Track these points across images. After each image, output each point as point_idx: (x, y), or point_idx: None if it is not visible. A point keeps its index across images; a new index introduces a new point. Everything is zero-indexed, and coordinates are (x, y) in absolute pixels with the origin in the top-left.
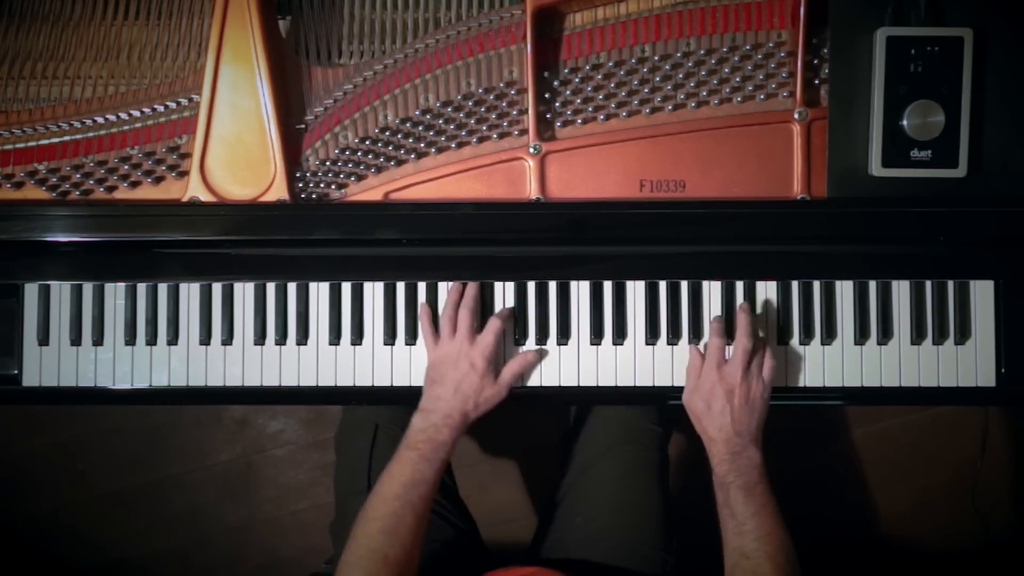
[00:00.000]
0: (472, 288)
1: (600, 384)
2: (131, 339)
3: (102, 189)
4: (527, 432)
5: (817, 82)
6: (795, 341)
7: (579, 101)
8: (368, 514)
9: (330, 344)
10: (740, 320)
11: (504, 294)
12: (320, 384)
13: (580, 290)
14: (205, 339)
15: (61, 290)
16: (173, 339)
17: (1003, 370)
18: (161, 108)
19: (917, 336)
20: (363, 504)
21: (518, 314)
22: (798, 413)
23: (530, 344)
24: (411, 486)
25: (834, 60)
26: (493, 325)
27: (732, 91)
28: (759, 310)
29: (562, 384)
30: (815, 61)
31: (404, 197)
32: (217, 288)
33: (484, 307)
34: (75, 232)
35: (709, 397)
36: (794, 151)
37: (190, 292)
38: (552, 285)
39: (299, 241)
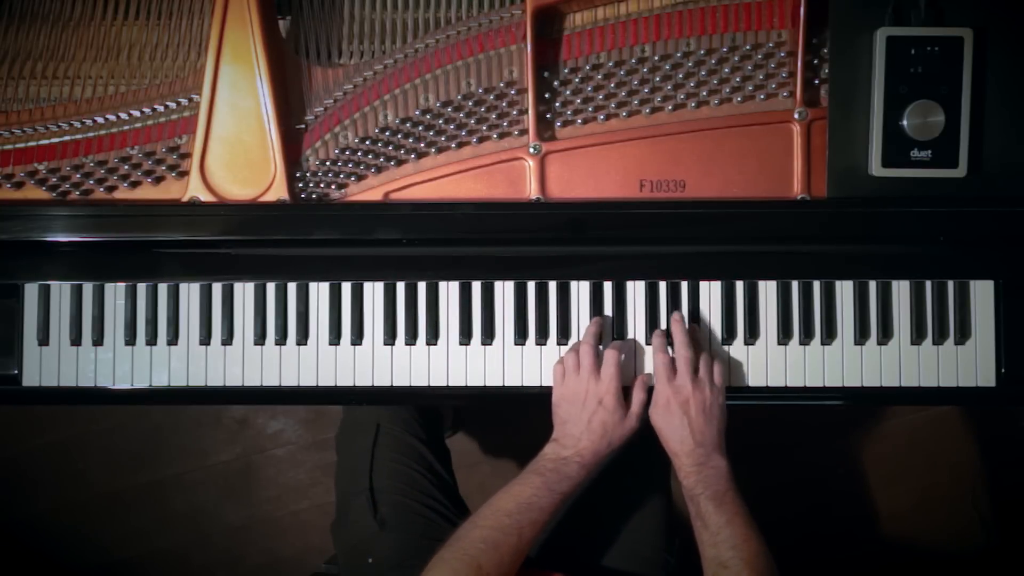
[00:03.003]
0: (594, 326)
1: None
2: (131, 339)
3: (102, 189)
4: (527, 432)
5: (817, 82)
6: (795, 341)
7: (579, 101)
8: (477, 521)
9: (330, 344)
10: (675, 331)
11: (504, 294)
12: (320, 384)
13: (580, 290)
14: (205, 339)
15: (61, 290)
16: (173, 339)
17: (1003, 370)
18: (161, 108)
19: (917, 336)
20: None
21: (517, 314)
22: (798, 413)
23: (530, 343)
24: (526, 509)
25: (834, 60)
26: (611, 356)
27: (732, 91)
28: (761, 310)
29: None
30: (815, 61)
31: (404, 197)
32: (217, 288)
33: (486, 307)
34: (75, 232)
35: (665, 411)
36: (794, 151)
37: (190, 292)
38: (552, 285)
39: (299, 241)
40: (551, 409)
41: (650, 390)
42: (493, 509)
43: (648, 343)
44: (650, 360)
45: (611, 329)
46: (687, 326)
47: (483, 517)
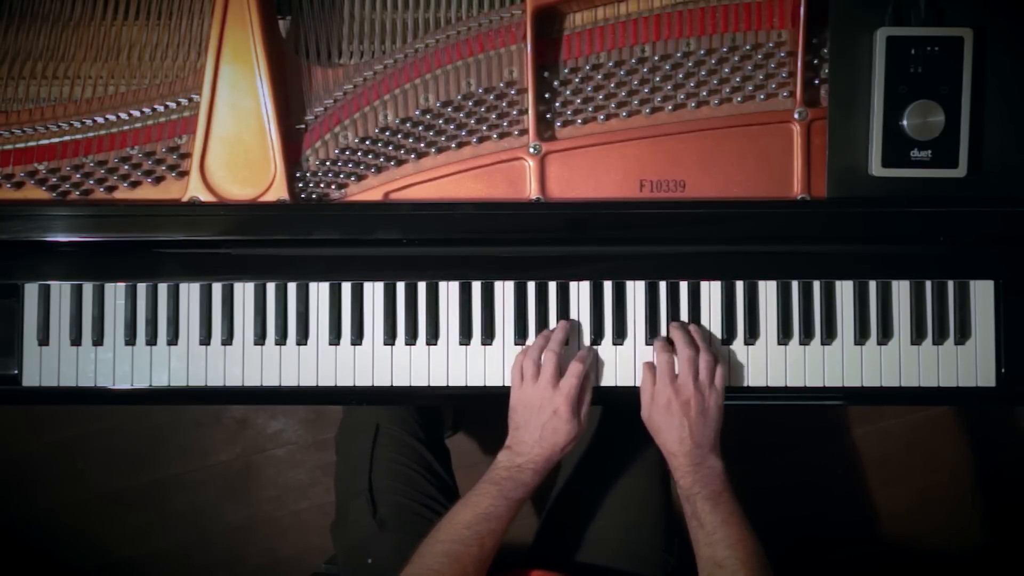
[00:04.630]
0: (560, 332)
1: (600, 384)
2: (131, 339)
3: (102, 189)
4: None
5: (817, 82)
6: (795, 341)
7: (579, 101)
8: (437, 535)
9: (330, 344)
10: (675, 336)
11: (504, 294)
12: (320, 384)
13: (580, 290)
14: (205, 339)
15: (61, 290)
16: (173, 339)
17: (1003, 370)
18: (161, 108)
19: (917, 336)
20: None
21: (517, 314)
22: (798, 413)
23: (529, 342)
24: (484, 519)
25: (834, 60)
26: (575, 369)
27: (732, 91)
28: (761, 310)
29: None
30: (815, 61)
31: (404, 197)
32: (217, 288)
33: (486, 307)
34: (75, 232)
35: (665, 411)
36: (794, 151)
37: (190, 292)
38: (552, 285)
39: (299, 241)
40: (509, 414)
41: (633, 389)
42: (452, 522)
43: (647, 343)
44: (634, 362)
45: (611, 328)
46: (688, 328)
47: (443, 531)
